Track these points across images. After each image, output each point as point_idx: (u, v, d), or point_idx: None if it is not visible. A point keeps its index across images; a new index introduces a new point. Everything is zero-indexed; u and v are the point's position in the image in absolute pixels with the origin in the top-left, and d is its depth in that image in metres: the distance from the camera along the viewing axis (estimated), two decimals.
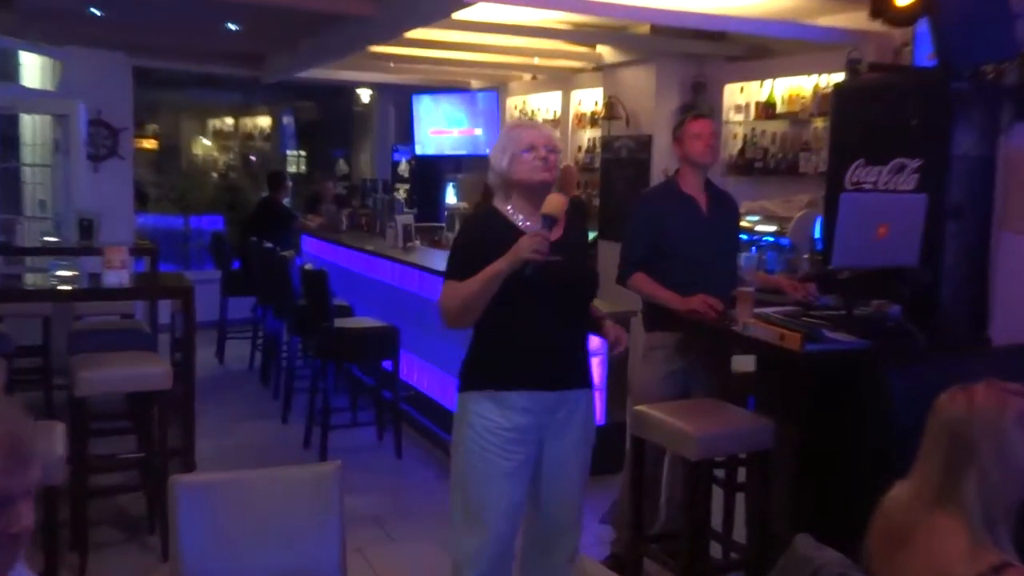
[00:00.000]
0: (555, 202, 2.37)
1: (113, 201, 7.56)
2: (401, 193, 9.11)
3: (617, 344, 2.56)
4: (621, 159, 6.48)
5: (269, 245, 6.17)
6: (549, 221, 2.34)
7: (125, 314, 5.32)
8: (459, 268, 2.38)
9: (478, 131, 8.53)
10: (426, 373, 5.35)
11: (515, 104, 8.31)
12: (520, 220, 2.45)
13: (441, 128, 8.85)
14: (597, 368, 4.49)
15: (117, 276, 3.97)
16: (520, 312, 2.39)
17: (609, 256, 5.97)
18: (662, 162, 6.05)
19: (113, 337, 4.45)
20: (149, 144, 12.43)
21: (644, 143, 6.27)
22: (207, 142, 13.68)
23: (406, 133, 9.62)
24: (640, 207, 3.53)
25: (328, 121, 11.51)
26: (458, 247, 2.48)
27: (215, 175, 12.20)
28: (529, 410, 2.43)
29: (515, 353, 2.42)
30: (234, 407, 5.88)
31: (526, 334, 2.41)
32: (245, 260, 7.04)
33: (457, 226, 6.55)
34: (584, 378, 2.55)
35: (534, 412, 2.44)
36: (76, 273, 4.10)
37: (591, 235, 6.74)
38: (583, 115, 7.42)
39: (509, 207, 2.47)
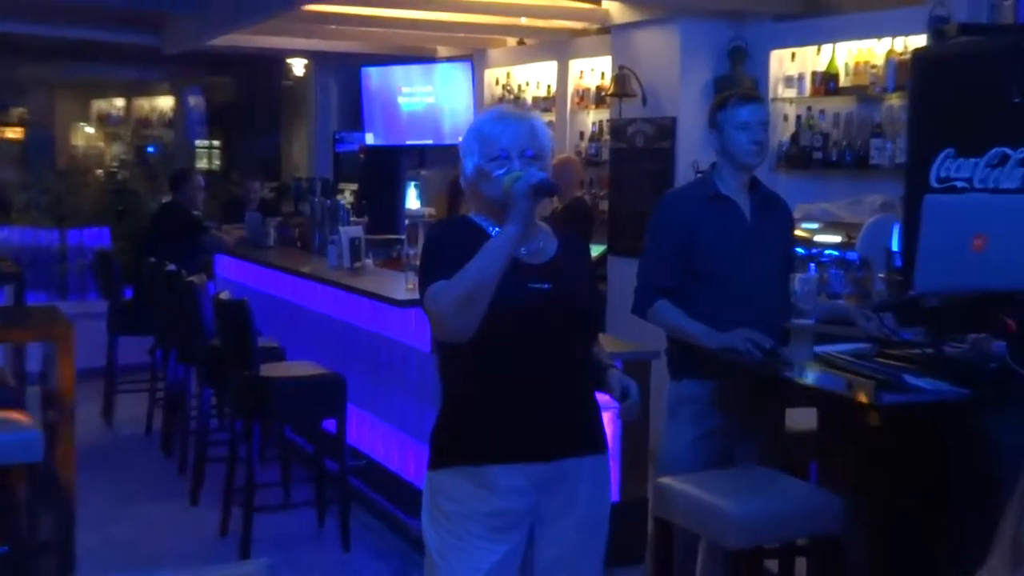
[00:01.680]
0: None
1: None
2: (347, 196, 9.17)
3: (624, 398, 2.56)
4: (636, 149, 6.53)
5: (172, 267, 6.14)
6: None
7: None
8: (444, 266, 2.40)
9: (446, 113, 8.57)
10: (382, 436, 5.34)
11: (496, 78, 8.33)
12: (495, 232, 2.49)
13: (399, 110, 8.92)
14: (608, 424, 4.42)
15: None
16: (498, 359, 2.42)
17: (622, 277, 6.06)
18: (690, 153, 6.12)
19: None
20: (13, 134, 12.41)
21: (666, 128, 6.32)
22: (90, 130, 13.68)
23: (353, 117, 9.63)
24: (663, 213, 3.59)
25: (250, 102, 11.58)
26: (435, 244, 2.52)
27: (100, 174, 12.18)
28: (517, 490, 2.45)
29: (493, 414, 2.45)
30: (127, 484, 5.85)
31: (507, 388, 2.44)
32: (140, 287, 7.01)
33: (422, 237, 6.53)
34: (591, 441, 2.57)
35: (523, 492, 2.46)
36: None
37: (598, 249, 6.94)
38: (586, 92, 7.45)
39: (483, 219, 2.55)
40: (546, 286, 2.46)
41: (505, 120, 2.50)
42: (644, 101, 6.46)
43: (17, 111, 12.39)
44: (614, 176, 6.78)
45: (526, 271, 2.42)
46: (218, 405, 6.07)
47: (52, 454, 3.92)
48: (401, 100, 8.91)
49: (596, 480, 2.56)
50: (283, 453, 5.57)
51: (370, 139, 9.18)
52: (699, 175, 4.99)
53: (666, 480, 3.17)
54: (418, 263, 2.59)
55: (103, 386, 7.07)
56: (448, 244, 2.47)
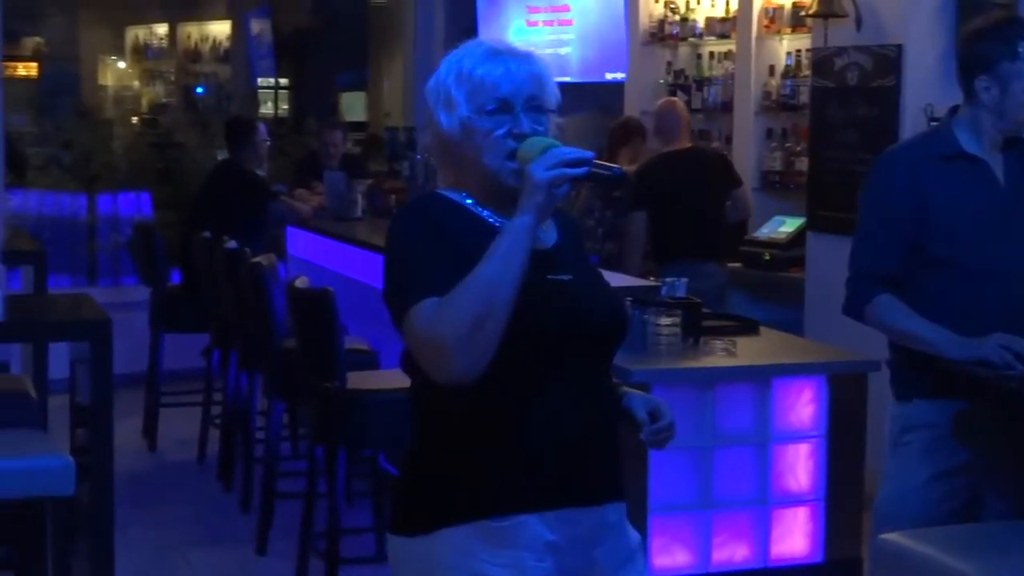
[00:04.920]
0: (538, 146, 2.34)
1: None
2: None
3: (654, 419, 2.51)
4: (848, 89, 6.40)
5: (232, 244, 6.17)
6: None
7: None
8: (430, 275, 2.33)
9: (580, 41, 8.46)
10: None
11: None
12: (488, 214, 2.47)
13: (526, 36, 8.84)
14: (808, 459, 4.32)
15: None
16: (508, 378, 2.35)
17: (827, 262, 6.07)
18: (922, 94, 5.95)
19: None
20: (26, 70, 12.62)
21: (889, 61, 6.16)
22: (123, 66, 13.91)
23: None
24: (884, 176, 3.58)
25: (329, 29, 11.67)
26: (410, 242, 2.43)
27: (136, 122, 12.39)
28: (555, 547, 2.41)
29: (514, 449, 2.39)
30: (175, 525, 5.89)
31: (528, 413, 2.39)
32: (191, 270, 7.04)
33: None
34: (620, 482, 2.55)
35: (561, 548, 2.41)
36: None
37: (793, 223, 6.80)
38: (778, 11, 7.35)
39: (466, 196, 2.49)
40: (565, 277, 2.44)
41: (502, 59, 2.44)
42: (859, 24, 6.32)
43: (31, 41, 12.59)
44: (816, 126, 6.67)
45: (538, 257, 2.34)
46: (292, 425, 6.13)
47: (84, 486, 3.98)
48: (529, 20, 8.93)
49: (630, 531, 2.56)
50: (376, 489, 5.47)
51: None
52: (933, 125, 4.91)
53: (890, 536, 3.19)
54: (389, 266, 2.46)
55: (144, 398, 7.11)
56: (429, 240, 2.39)
